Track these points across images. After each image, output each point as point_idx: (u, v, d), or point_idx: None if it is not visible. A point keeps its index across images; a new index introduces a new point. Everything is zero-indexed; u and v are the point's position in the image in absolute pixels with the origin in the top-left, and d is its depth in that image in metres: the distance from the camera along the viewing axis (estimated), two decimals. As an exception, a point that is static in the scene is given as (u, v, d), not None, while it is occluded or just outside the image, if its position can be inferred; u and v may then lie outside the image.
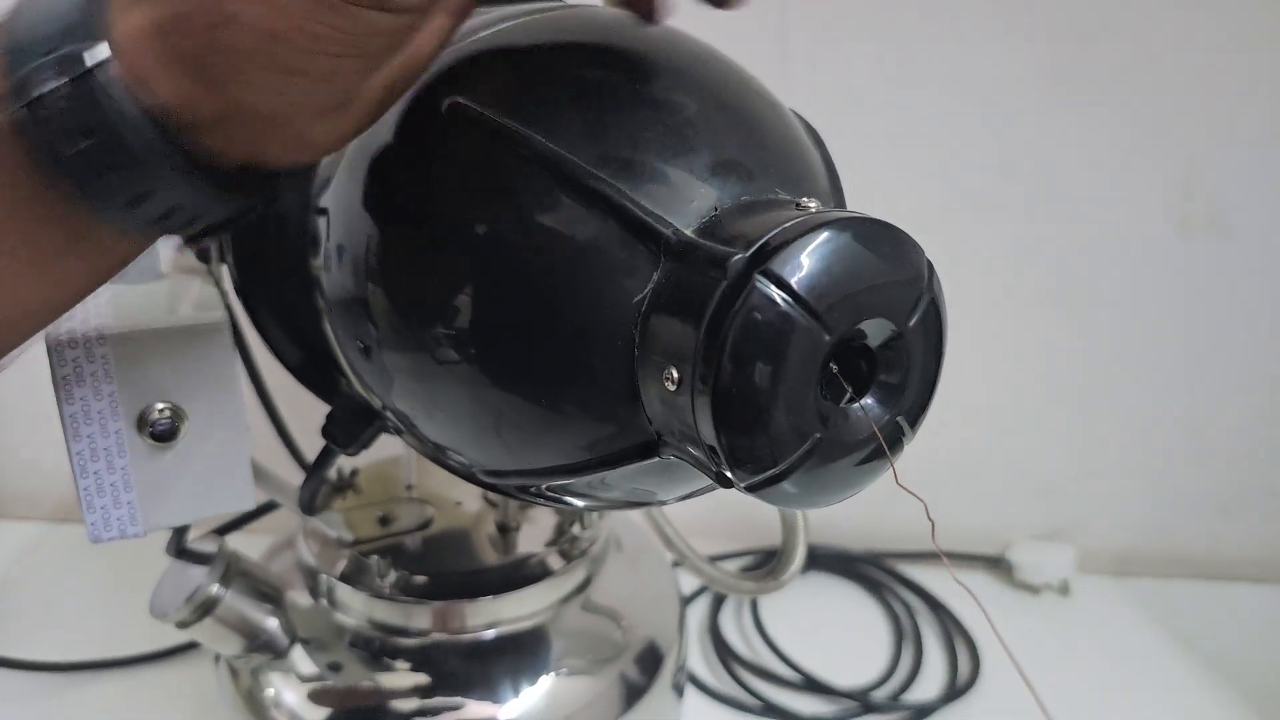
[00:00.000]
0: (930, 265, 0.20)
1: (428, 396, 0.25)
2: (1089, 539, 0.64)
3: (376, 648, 0.36)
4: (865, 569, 0.62)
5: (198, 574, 0.35)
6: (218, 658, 0.38)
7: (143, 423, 0.29)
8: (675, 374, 0.19)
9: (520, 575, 0.37)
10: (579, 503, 0.27)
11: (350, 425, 0.32)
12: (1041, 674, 0.53)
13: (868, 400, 0.20)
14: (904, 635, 0.57)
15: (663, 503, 0.27)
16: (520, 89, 0.22)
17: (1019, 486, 0.65)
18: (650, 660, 0.39)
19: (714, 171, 0.21)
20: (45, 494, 0.66)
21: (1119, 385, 0.62)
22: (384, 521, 0.39)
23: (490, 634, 0.36)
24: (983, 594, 0.62)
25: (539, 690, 0.35)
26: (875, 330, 0.19)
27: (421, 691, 0.35)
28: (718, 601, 0.58)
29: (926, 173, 0.57)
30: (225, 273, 0.32)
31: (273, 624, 0.36)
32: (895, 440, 0.20)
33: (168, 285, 0.32)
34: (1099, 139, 0.56)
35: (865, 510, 0.64)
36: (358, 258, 0.25)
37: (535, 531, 0.40)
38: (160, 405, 0.29)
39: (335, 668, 0.36)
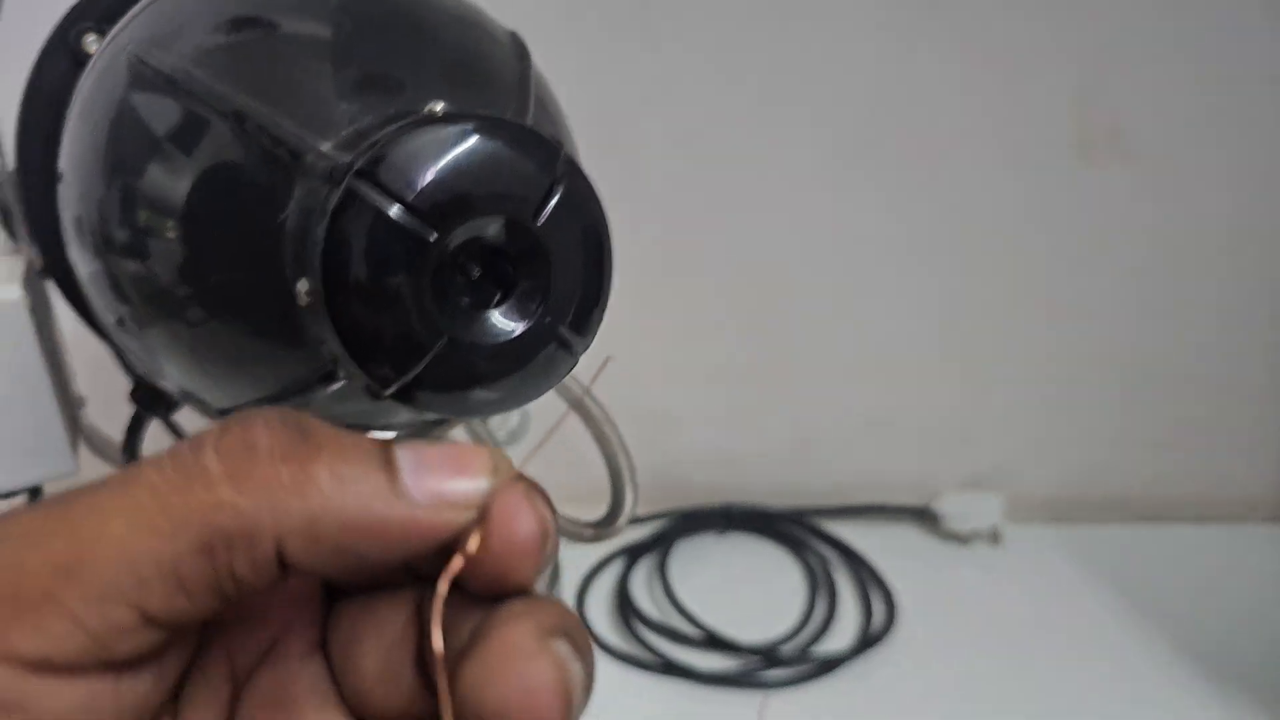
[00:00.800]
0: (569, 162, 0.19)
1: (167, 348, 0.25)
2: (1019, 485, 0.63)
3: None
4: (785, 526, 0.61)
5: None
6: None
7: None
8: (305, 288, 0.19)
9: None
10: (384, 427, 0.27)
11: (152, 395, 0.32)
12: (970, 625, 0.53)
13: (508, 304, 0.19)
14: (818, 589, 0.56)
15: (445, 422, 0.27)
16: (177, 36, 0.22)
17: (941, 435, 0.64)
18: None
19: (359, 87, 0.21)
20: None
21: (1036, 324, 0.61)
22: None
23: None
24: (910, 546, 0.61)
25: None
26: (498, 230, 0.19)
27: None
28: (629, 563, 0.58)
29: (804, 121, 0.56)
30: (31, 250, 0.33)
31: None
32: (561, 345, 0.20)
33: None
34: (982, 63, 0.54)
35: (786, 466, 0.64)
36: (86, 213, 0.25)
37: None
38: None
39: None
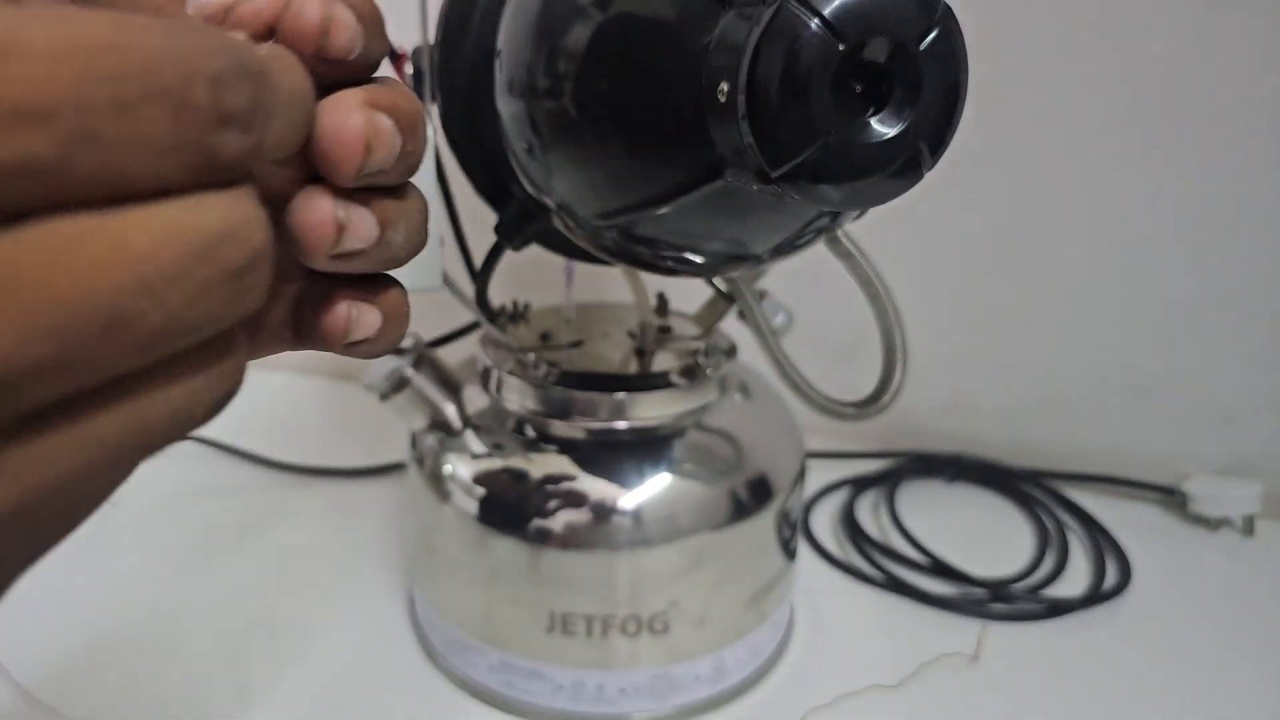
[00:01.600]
0: (947, 7, 0.23)
1: (568, 167, 0.31)
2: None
3: (532, 432, 0.43)
4: (1018, 483, 0.62)
5: (397, 360, 0.44)
6: (410, 453, 0.47)
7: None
8: (725, 88, 0.24)
9: (649, 383, 0.42)
10: (693, 257, 0.32)
11: (516, 222, 0.39)
12: (1207, 607, 0.52)
13: (882, 116, 0.23)
14: (1049, 543, 0.57)
15: (758, 257, 0.32)
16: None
17: (1203, 412, 0.61)
18: (761, 491, 0.43)
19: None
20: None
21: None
22: (544, 338, 0.47)
23: (622, 425, 0.41)
24: (1152, 525, 0.60)
25: (658, 483, 0.41)
26: (885, 49, 0.23)
27: (564, 472, 0.41)
28: (855, 492, 0.61)
29: (1092, 74, 0.56)
30: (435, 110, 0.40)
31: (451, 409, 0.44)
32: (913, 160, 0.24)
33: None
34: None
35: (1028, 424, 0.64)
36: (521, 80, 0.32)
37: (667, 358, 0.45)
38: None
39: (498, 447, 0.43)
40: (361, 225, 0.17)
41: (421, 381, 0.43)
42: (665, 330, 0.47)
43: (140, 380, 0.13)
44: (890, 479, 0.62)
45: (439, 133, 0.41)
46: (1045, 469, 0.63)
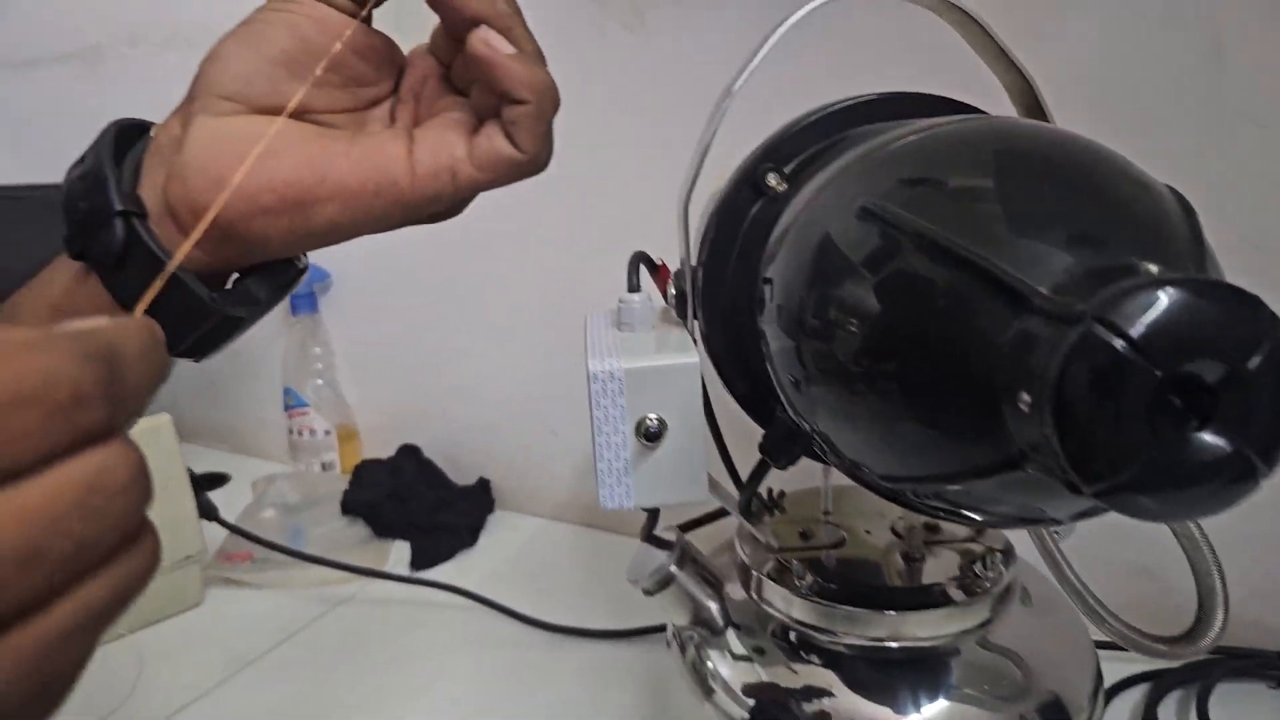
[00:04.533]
0: (1274, 318, 0.22)
1: (842, 419, 0.33)
2: None
3: (794, 640, 0.43)
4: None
5: (661, 555, 0.46)
6: (668, 641, 0.48)
7: (639, 428, 0.40)
8: (1028, 398, 0.24)
9: (922, 600, 0.42)
10: (975, 515, 0.32)
11: (781, 444, 0.40)
12: None
13: (1208, 431, 0.23)
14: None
15: (1055, 521, 0.31)
16: (913, 191, 0.29)
17: None
18: (1054, 716, 0.40)
19: (1070, 243, 0.26)
20: (546, 496, 0.83)
21: None
22: (804, 536, 0.47)
23: (894, 645, 0.41)
24: None
25: (936, 710, 0.39)
26: (1211, 370, 0.22)
27: (830, 687, 0.41)
28: (1157, 693, 0.55)
29: None
30: (696, 326, 0.43)
31: (713, 606, 0.45)
32: (1246, 472, 0.23)
33: (655, 334, 0.44)
34: None
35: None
36: (793, 316, 0.33)
37: (938, 565, 0.44)
38: (652, 416, 0.40)
39: (760, 651, 0.44)
40: None
41: (686, 579, 0.45)
42: (933, 528, 0.47)
43: (77, 579, 0.18)
44: (1199, 677, 0.55)
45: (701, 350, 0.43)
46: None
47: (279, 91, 0.29)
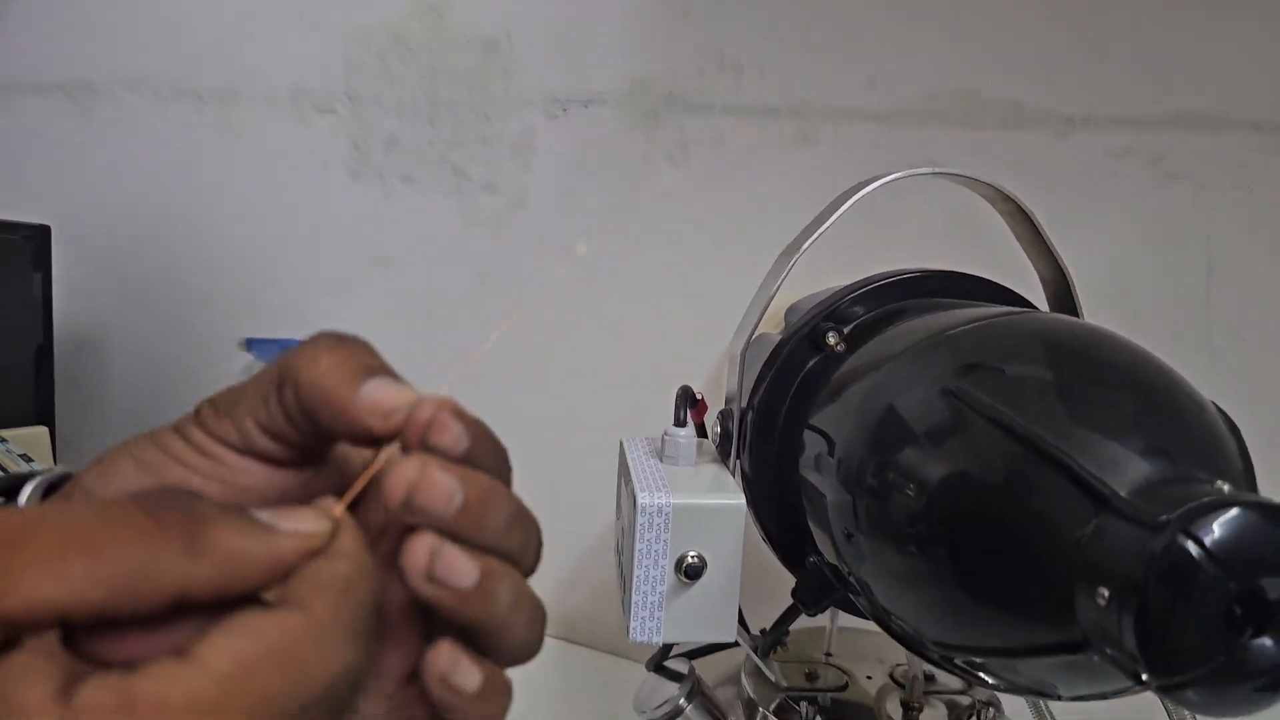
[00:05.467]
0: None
1: (894, 578, 0.35)
2: None
3: (797, 780, 0.45)
4: None
5: (671, 688, 0.47)
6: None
7: (679, 564, 0.41)
8: (1106, 594, 0.27)
9: (921, 749, 0.44)
10: (990, 679, 0.34)
11: (814, 591, 0.42)
12: None
13: (1266, 639, 0.26)
14: None
15: (1059, 697, 0.34)
16: (992, 380, 0.32)
17: None
18: None
19: (1145, 452, 0.29)
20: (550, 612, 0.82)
21: None
22: (810, 677, 0.49)
23: (893, 793, 0.43)
24: None
25: None
26: (1275, 588, 0.25)
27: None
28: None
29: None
30: (738, 467, 0.45)
31: (719, 741, 0.46)
32: (1288, 678, 0.26)
33: (696, 469, 0.46)
34: None
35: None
36: (851, 472, 0.36)
37: (933, 716, 0.47)
38: (693, 553, 0.41)
39: (762, 787, 0.45)
40: (456, 560, 0.21)
41: (694, 713, 0.46)
42: (930, 678, 0.49)
43: None
44: None
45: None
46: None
47: None
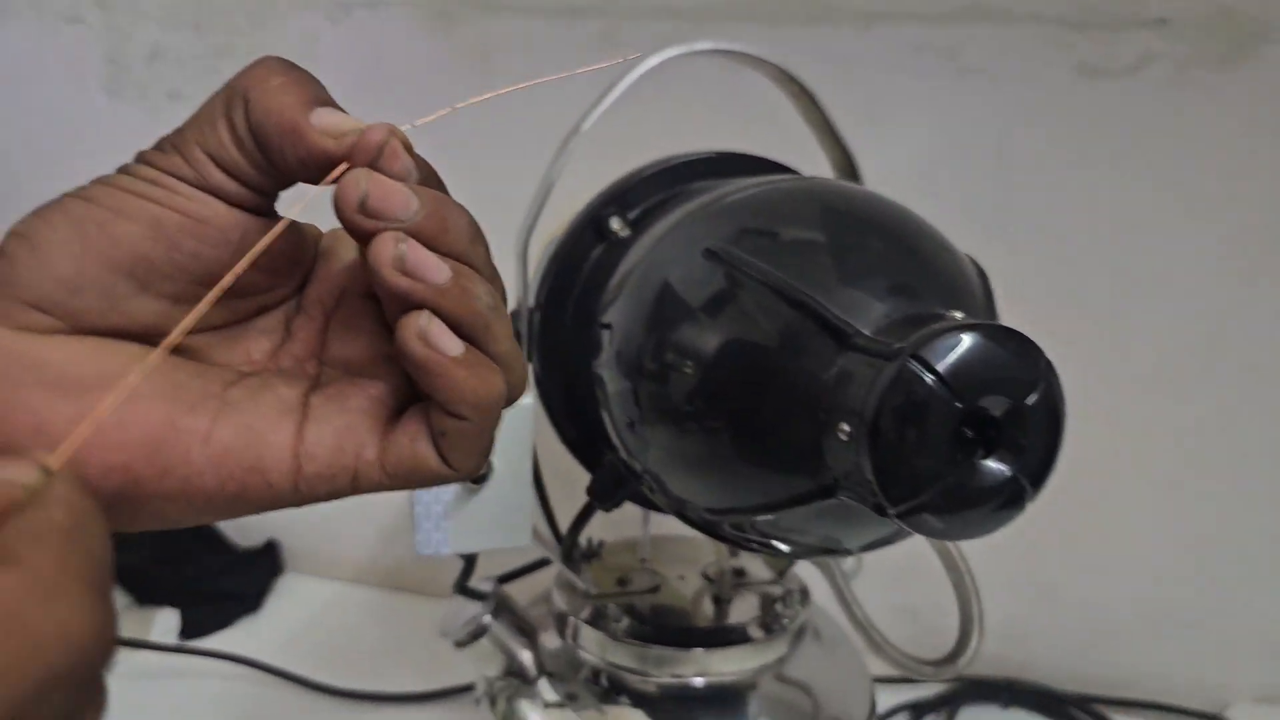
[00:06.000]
0: (1048, 363, 0.26)
1: (674, 456, 0.34)
2: (1330, 712, 0.60)
3: (606, 684, 0.44)
4: (1069, 709, 0.62)
5: (475, 607, 0.45)
6: (478, 698, 0.47)
7: (466, 469, 0.39)
8: (848, 429, 0.27)
9: (727, 637, 0.44)
10: (783, 546, 0.34)
11: (609, 488, 0.41)
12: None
13: (993, 459, 0.26)
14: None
15: (848, 551, 0.34)
16: (751, 239, 0.32)
17: (1246, 643, 0.62)
18: (837, 739, 0.44)
19: (889, 292, 0.29)
20: (346, 558, 0.79)
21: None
22: (621, 582, 0.48)
23: (699, 682, 0.42)
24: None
25: (738, 740, 0.41)
26: (999, 405, 0.26)
27: (640, 726, 0.42)
28: (915, 718, 0.61)
29: (1146, 318, 0.60)
30: (530, 369, 0.44)
31: (527, 656, 0.45)
32: (1018, 496, 0.27)
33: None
34: None
35: (1077, 651, 0.64)
36: (631, 358, 0.35)
37: (743, 607, 0.47)
38: (478, 457, 0.40)
39: (572, 697, 0.44)
40: (424, 254, 0.20)
41: (500, 629, 0.45)
42: (740, 572, 0.49)
43: None
44: (949, 704, 0.62)
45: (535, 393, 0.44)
46: (1094, 694, 0.63)
47: (116, 310, 0.20)
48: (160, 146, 0.21)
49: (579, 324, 0.42)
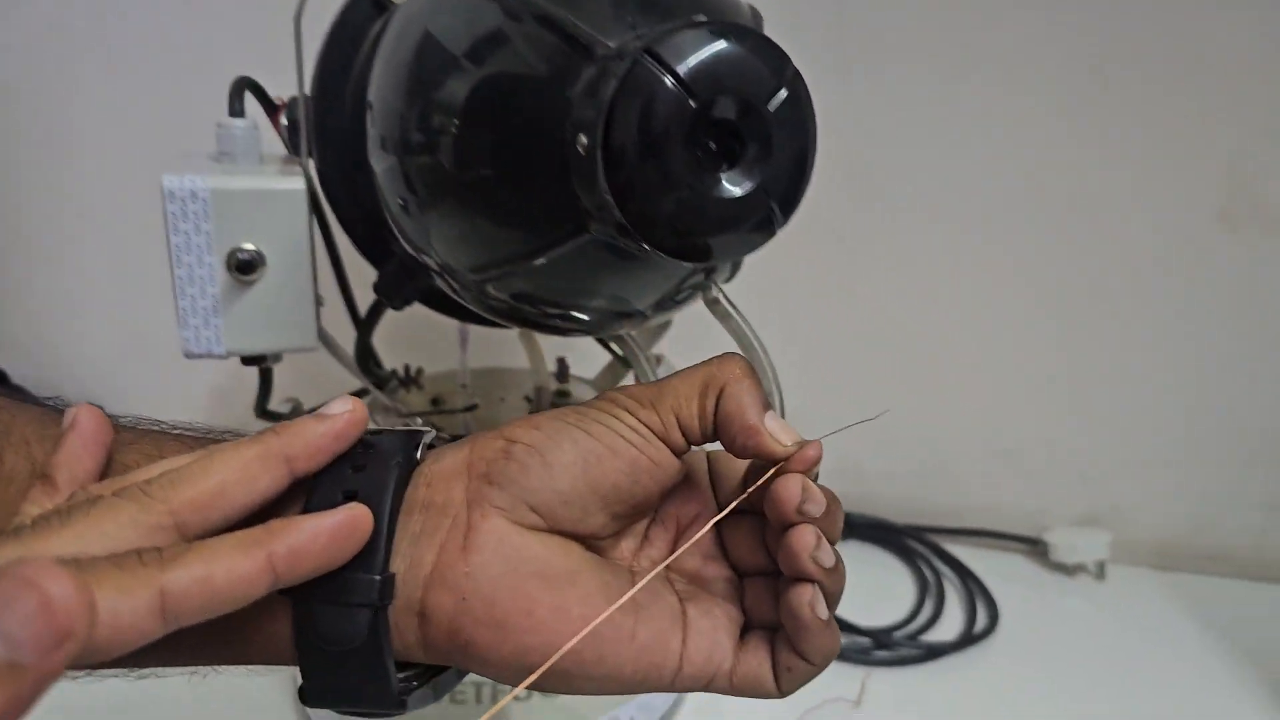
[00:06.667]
0: (796, 71, 0.25)
1: (438, 222, 0.32)
2: (1129, 528, 0.64)
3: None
4: (902, 539, 0.64)
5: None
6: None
7: (230, 259, 0.36)
8: (585, 140, 0.25)
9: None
10: (580, 315, 0.33)
11: (395, 282, 0.38)
12: (1066, 645, 0.55)
13: (736, 170, 0.25)
14: (927, 592, 0.59)
15: (641, 313, 0.33)
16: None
17: (1061, 472, 0.66)
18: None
19: (640, 6, 0.27)
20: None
21: (1164, 381, 0.63)
22: (435, 403, 0.46)
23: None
24: (1019, 571, 0.63)
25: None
26: (736, 107, 0.24)
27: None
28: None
29: (972, 166, 0.60)
30: (311, 165, 0.40)
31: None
32: (766, 219, 0.25)
33: (260, 166, 0.40)
34: (1141, 135, 0.58)
35: (912, 486, 0.66)
36: (392, 132, 0.32)
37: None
38: (247, 246, 0.36)
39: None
40: (827, 549, 0.25)
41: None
42: (563, 395, 0.48)
43: None
44: None
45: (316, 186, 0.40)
46: (926, 525, 0.65)
47: (582, 521, 0.25)
48: (638, 399, 0.26)
49: (357, 110, 0.39)
